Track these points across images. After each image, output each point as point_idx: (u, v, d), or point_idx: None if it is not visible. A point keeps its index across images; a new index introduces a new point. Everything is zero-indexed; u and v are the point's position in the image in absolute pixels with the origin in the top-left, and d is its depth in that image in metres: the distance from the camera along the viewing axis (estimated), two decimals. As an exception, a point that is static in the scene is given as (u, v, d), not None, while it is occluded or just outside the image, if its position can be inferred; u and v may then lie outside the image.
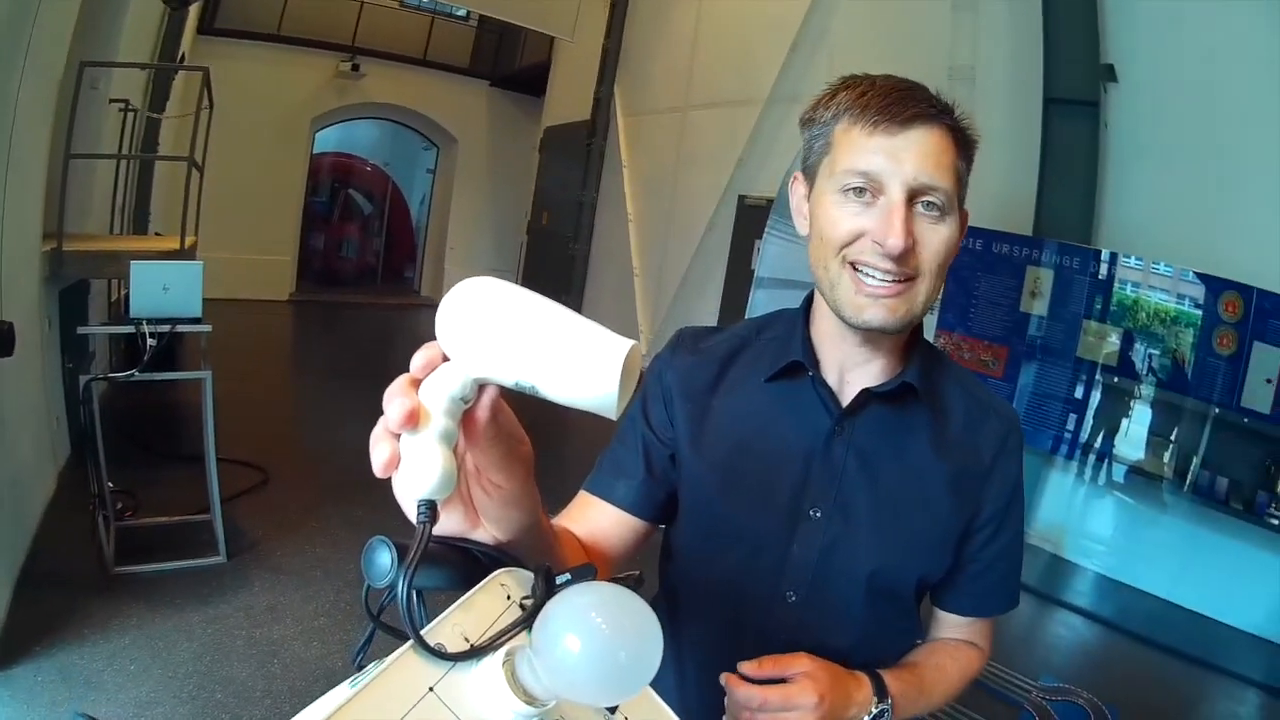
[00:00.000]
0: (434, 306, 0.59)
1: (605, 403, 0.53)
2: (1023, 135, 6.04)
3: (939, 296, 1.06)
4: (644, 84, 9.94)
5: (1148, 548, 6.06)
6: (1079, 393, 5.79)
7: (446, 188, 13.45)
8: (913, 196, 0.93)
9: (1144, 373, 5.87)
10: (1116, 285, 5.71)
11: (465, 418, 0.57)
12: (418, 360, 0.57)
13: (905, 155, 0.92)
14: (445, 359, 0.57)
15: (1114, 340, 5.77)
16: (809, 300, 1.09)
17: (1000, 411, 1.12)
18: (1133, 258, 5.74)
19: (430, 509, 0.54)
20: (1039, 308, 5.80)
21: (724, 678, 0.93)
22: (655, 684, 1.18)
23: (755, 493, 1.05)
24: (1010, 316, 5.85)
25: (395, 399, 0.54)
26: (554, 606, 0.48)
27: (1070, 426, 5.87)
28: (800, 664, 0.92)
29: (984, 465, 1.07)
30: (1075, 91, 5.80)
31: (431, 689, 0.48)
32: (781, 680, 0.93)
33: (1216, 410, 5.56)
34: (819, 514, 1.03)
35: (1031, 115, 6.00)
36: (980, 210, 6.22)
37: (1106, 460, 6.02)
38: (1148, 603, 5.84)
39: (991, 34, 6.53)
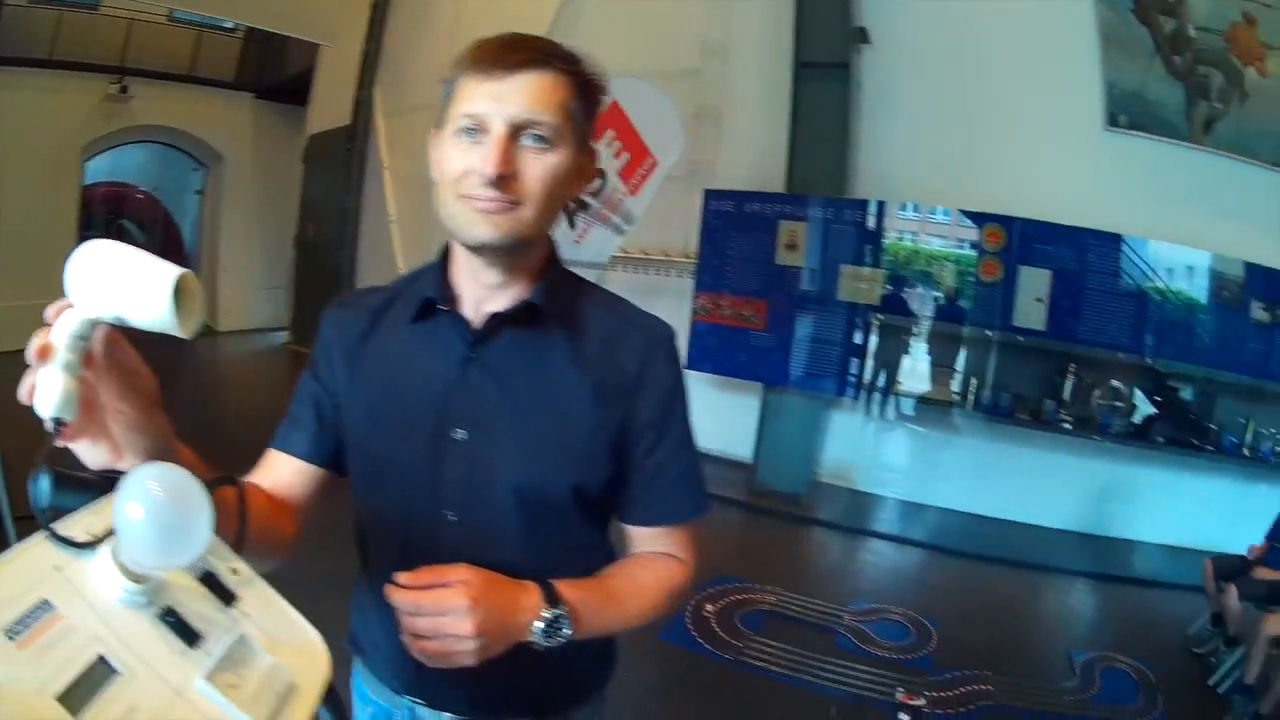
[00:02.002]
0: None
1: (168, 322, 0.66)
2: (775, 101, 6.35)
3: (554, 223, 1.08)
4: (403, 84, 9.72)
5: (945, 469, 6.53)
6: (852, 335, 6.09)
7: (215, 208, 12.63)
8: (516, 131, 0.98)
9: (916, 309, 6.28)
10: (876, 230, 6.06)
11: (88, 353, 0.69)
12: (50, 310, 0.68)
13: (509, 95, 0.97)
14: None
15: (877, 282, 6.11)
16: (447, 245, 1.13)
17: (645, 326, 1.15)
18: (890, 203, 6.13)
19: (58, 424, 0.67)
20: (795, 259, 6.07)
21: (387, 589, 0.94)
22: (366, 622, 1.18)
23: (402, 424, 1.09)
24: (767, 271, 6.11)
25: (32, 340, 0.66)
26: (124, 481, 0.59)
27: (850, 369, 6.14)
28: (457, 573, 0.94)
29: (629, 376, 1.09)
30: (827, 55, 6.10)
31: (59, 568, 0.58)
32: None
33: (991, 333, 6.04)
34: (462, 435, 1.06)
35: (784, 81, 6.29)
36: (734, 175, 6.55)
37: (893, 395, 6.42)
38: (954, 519, 6.27)
39: (744, 9, 6.80)
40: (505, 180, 0.97)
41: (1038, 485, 6.38)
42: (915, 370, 6.42)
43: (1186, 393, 6.08)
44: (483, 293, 1.08)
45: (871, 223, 6.04)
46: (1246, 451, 5.95)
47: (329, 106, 10.99)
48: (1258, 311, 5.77)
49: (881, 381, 6.37)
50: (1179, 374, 6.04)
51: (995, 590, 5.25)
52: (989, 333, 6.06)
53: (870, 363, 6.33)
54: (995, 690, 3.87)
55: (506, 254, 1.04)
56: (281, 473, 1.14)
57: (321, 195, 11.07)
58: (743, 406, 6.43)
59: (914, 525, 6.16)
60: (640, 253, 6.96)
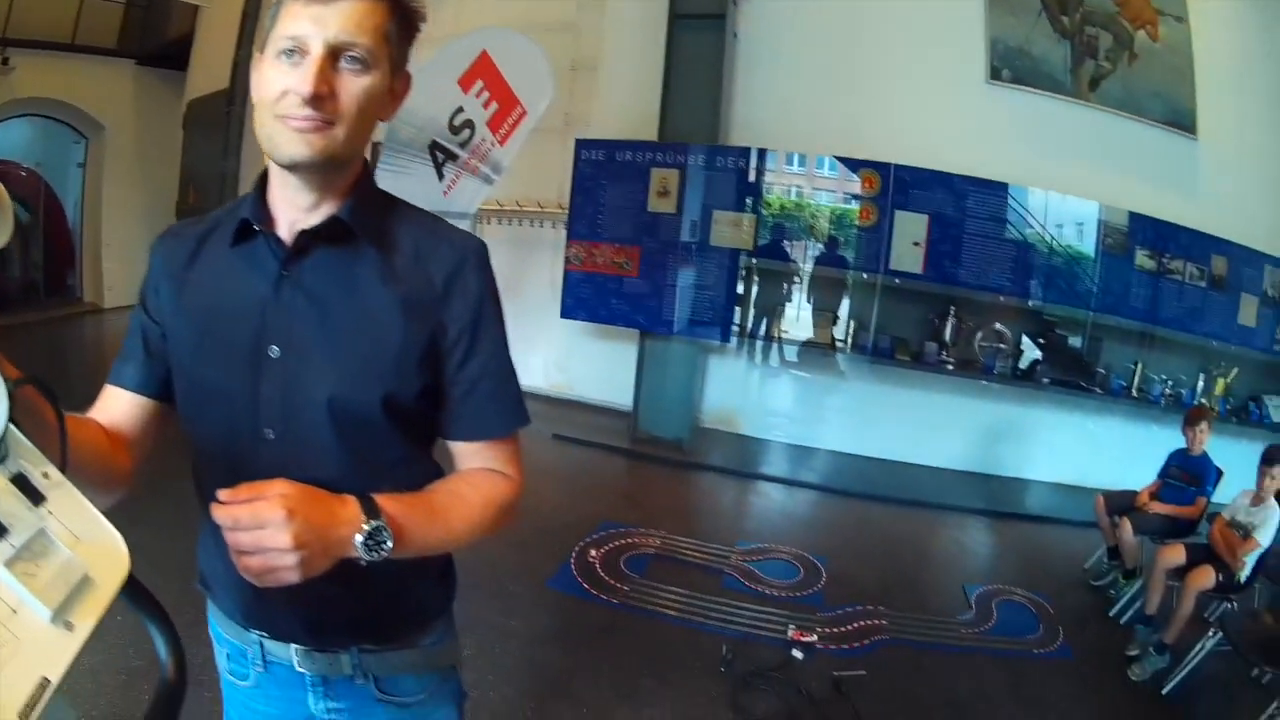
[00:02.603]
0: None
1: None
2: (650, 53, 6.31)
3: (366, 143, 1.10)
4: (281, 42, 9.35)
5: (830, 412, 6.69)
6: (728, 281, 6.13)
7: (97, 181, 12.13)
8: (335, 54, 0.99)
9: (793, 254, 6.39)
10: (750, 176, 6.10)
11: None
12: None
13: (329, 19, 0.98)
14: None
15: (751, 228, 6.16)
16: (265, 170, 1.13)
17: (454, 240, 1.16)
18: (766, 151, 6.18)
19: None
20: (667, 206, 6.09)
21: (211, 508, 0.94)
22: (208, 555, 1.21)
23: (222, 346, 1.09)
24: (639, 218, 6.13)
25: None
26: None
27: (728, 315, 6.19)
28: (274, 487, 0.94)
29: (436, 289, 1.11)
30: (702, 7, 6.11)
31: None
32: None
33: (867, 277, 6.15)
34: (277, 352, 1.07)
35: (660, 33, 6.26)
36: (609, 126, 6.52)
37: (774, 340, 6.53)
38: (841, 461, 6.43)
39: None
40: (321, 100, 0.98)
41: (926, 427, 6.55)
42: (796, 316, 6.51)
43: (1073, 338, 6.27)
44: (296, 213, 1.10)
45: (746, 169, 6.09)
46: (1135, 393, 6.19)
47: (208, 70, 10.66)
48: (1143, 259, 6.02)
49: (762, 327, 6.43)
50: (1064, 318, 6.23)
51: (885, 529, 5.36)
52: (866, 276, 6.19)
53: (749, 308, 6.43)
54: (889, 625, 3.94)
55: (319, 172, 1.06)
56: (115, 407, 1.15)
57: (201, 161, 10.78)
58: (621, 355, 6.45)
59: (800, 468, 6.26)
60: (515, 204, 6.93)
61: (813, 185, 6.61)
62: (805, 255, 6.43)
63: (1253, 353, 6.21)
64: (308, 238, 1.08)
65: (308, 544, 0.92)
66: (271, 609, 1.13)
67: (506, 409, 1.19)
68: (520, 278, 6.59)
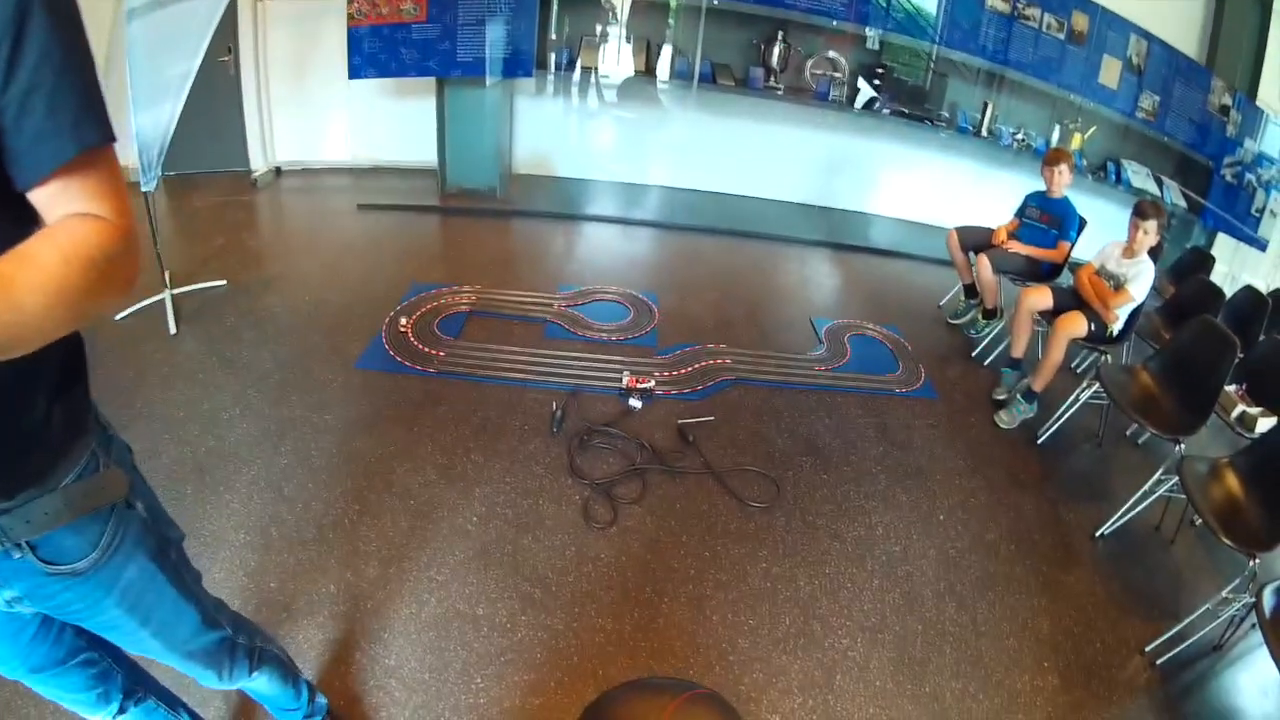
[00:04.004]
0: None
1: None
2: None
3: None
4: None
5: (654, 147, 6.19)
6: (526, 12, 5.21)
7: None
8: None
9: None
10: None
11: None
12: None
13: None
14: None
15: None
16: None
17: None
18: None
19: None
20: None
21: None
22: None
23: None
24: None
25: None
26: None
27: (531, 49, 5.32)
28: None
29: None
30: None
31: None
32: None
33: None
34: None
35: None
36: None
37: (585, 73, 5.79)
38: (671, 196, 6.06)
39: None
40: None
41: (760, 160, 6.22)
42: (612, 47, 5.76)
43: (913, 73, 5.93)
44: None
45: None
46: (985, 134, 5.97)
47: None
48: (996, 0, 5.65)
49: (574, 61, 5.69)
50: (905, 50, 5.84)
51: (722, 262, 5.02)
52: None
53: (558, 41, 5.62)
54: (734, 364, 3.67)
55: None
56: None
57: None
58: (420, 110, 5.64)
59: (625, 206, 5.81)
60: None
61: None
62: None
63: (1113, 114, 6.04)
64: None
65: None
66: None
67: (68, 123, 0.85)
68: (312, 50, 5.59)
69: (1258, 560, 2.29)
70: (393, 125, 5.95)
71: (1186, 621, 2.38)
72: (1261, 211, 6.22)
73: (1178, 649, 2.36)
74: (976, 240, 4.41)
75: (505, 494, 2.62)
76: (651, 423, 3.10)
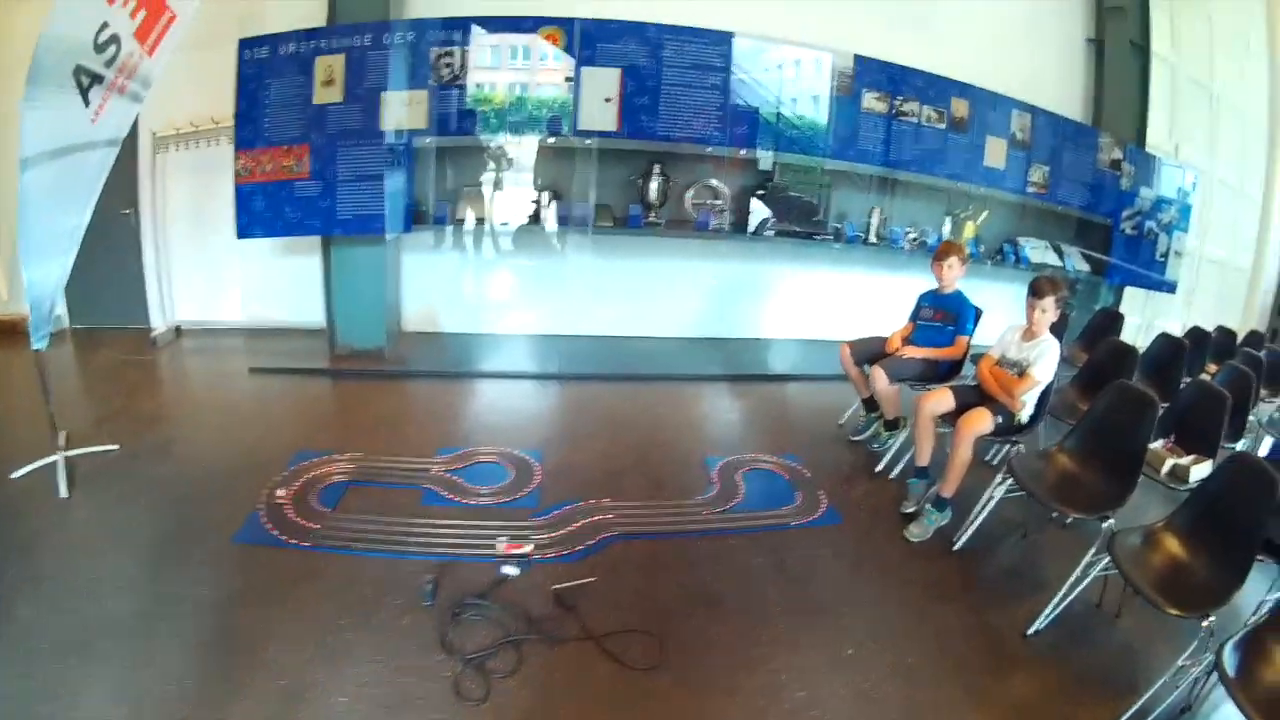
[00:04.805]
0: None
1: None
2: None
3: None
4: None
5: (539, 295, 6.27)
6: (404, 166, 5.45)
7: None
8: None
9: (474, 128, 5.63)
10: (417, 50, 5.35)
11: None
12: None
13: None
14: None
15: (423, 104, 5.44)
16: None
17: None
18: (441, 20, 5.44)
19: None
20: (334, 95, 5.28)
21: None
22: None
23: None
24: (304, 114, 5.27)
25: None
26: None
27: (409, 205, 5.58)
28: None
29: None
30: None
31: None
32: None
33: (555, 141, 5.62)
34: None
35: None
36: (280, 21, 5.49)
37: (464, 222, 5.91)
38: (558, 344, 6.09)
39: None
40: None
41: (648, 298, 6.30)
42: (487, 195, 5.92)
43: (797, 188, 6.04)
44: None
45: (418, 43, 5.36)
46: (876, 239, 6.09)
47: None
48: (871, 101, 5.87)
49: (452, 213, 5.83)
50: (788, 167, 5.99)
51: (610, 410, 5.04)
52: (554, 141, 5.67)
53: (436, 194, 5.81)
54: (617, 518, 3.63)
55: None
56: None
57: None
58: (311, 269, 5.75)
59: (510, 359, 5.85)
60: (190, 126, 5.85)
61: (479, 47, 5.76)
62: (490, 127, 5.66)
63: (1005, 194, 6.20)
64: None
65: None
66: None
67: None
68: (209, 203, 5.69)
69: (1213, 618, 2.27)
70: (285, 285, 5.97)
71: (1148, 695, 2.38)
72: (1166, 255, 6.46)
73: (1147, 721, 2.31)
74: (871, 351, 4.42)
75: (376, 673, 2.56)
76: (528, 589, 3.06)
